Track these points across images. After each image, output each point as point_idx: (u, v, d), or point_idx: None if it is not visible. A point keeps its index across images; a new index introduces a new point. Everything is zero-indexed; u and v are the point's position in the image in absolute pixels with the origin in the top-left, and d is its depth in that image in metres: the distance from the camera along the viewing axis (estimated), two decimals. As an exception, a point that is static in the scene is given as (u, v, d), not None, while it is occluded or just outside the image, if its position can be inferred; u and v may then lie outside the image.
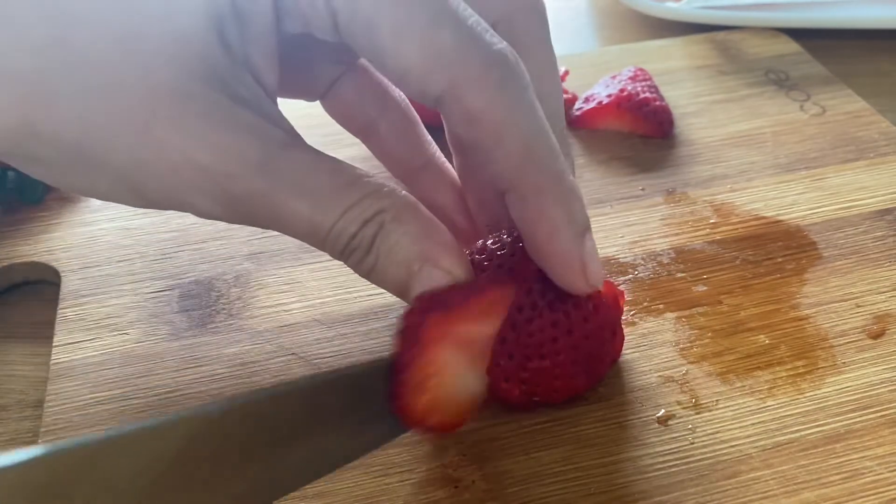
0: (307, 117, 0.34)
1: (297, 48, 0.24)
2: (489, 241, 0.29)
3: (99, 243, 0.38)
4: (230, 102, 0.23)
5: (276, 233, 0.37)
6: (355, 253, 0.25)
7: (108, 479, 0.19)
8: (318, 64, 0.24)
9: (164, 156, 0.23)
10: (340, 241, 0.25)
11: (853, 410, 0.29)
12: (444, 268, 0.25)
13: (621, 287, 0.34)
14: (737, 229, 0.37)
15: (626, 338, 0.31)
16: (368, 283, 0.34)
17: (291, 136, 0.25)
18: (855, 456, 0.28)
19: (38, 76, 0.23)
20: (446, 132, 0.29)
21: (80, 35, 0.22)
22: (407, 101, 0.32)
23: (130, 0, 0.22)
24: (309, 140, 0.25)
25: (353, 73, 0.31)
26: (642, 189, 0.40)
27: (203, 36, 0.23)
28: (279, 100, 0.31)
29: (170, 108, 0.23)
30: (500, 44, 0.24)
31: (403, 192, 0.26)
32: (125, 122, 0.23)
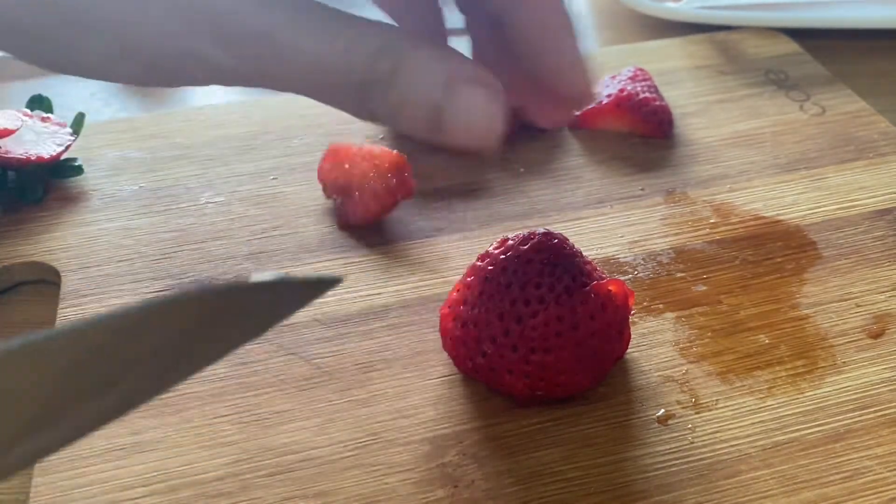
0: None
1: None
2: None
3: (99, 243, 0.38)
4: None
5: (275, 232, 0.37)
6: (375, 89, 0.24)
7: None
8: None
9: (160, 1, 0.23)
10: (354, 76, 0.23)
11: (853, 410, 0.29)
12: (478, 81, 0.24)
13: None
14: (736, 229, 0.37)
15: (626, 337, 0.31)
16: (368, 282, 0.34)
17: None
18: (854, 455, 0.28)
19: None
20: None
21: None
22: None
23: None
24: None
25: None
26: (642, 189, 0.40)
27: None
28: None
29: None
30: None
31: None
32: None
